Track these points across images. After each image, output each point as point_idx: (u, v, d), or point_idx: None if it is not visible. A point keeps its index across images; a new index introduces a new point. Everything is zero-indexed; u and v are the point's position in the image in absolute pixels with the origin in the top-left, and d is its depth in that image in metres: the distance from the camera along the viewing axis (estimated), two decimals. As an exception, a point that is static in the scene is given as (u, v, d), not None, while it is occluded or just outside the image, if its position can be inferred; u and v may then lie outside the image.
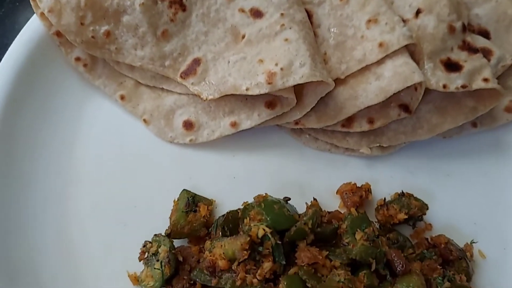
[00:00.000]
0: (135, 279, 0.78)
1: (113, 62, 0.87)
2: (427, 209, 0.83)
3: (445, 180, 0.88)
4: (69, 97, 0.89)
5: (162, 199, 0.83)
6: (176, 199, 0.82)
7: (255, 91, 0.79)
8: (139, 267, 0.79)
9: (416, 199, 0.83)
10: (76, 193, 0.85)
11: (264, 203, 0.75)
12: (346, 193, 0.84)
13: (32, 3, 0.84)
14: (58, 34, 0.86)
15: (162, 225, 0.81)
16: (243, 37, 0.84)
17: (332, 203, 0.85)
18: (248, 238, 0.69)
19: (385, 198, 0.84)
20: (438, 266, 0.76)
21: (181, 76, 0.84)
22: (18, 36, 0.85)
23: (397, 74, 0.79)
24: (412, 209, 0.81)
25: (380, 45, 0.81)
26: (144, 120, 0.87)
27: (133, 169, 0.86)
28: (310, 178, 0.87)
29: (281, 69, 0.77)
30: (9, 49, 0.85)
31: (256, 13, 0.84)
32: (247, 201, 0.78)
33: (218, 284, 0.71)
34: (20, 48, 0.85)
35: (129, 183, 0.85)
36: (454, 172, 0.89)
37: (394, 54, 0.81)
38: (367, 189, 0.85)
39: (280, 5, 0.83)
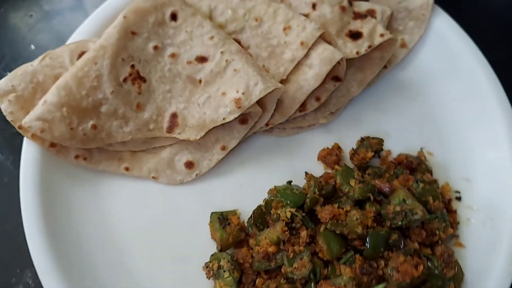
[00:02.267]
0: (211, 295, 0.98)
1: (106, 146, 1.02)
2: (383, 141, 1.10)
3: (385, 116, 1.15)
4: (87, 188, 1.03)
5: (199, 229, 1.02)
6: (210, 222, 1.02)
7: (231, 118, 0.99)
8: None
9: (372, 138, 1.10)
10: (129, 258, 1.01)
11: (278, 192, 0.98)
12: (325, 157, 1.09)
13: (20, 130, 0.97)
14: (52, 145, 0.99)
15: (209, 248, 1.00)
16: (200, 81, 1.03)
17: (319, 170, 1.09)
18: (283, 222, 0.92)
19: (353, 148, 1.10)
20: (409, 176, 1.04)
21: (168, 132, 1.02)
22: (22, 162, 0.98)
23: (322, 60, 1.03)
24: (374, 146, 1.08)
25: (301, 43, 1.04)
26: (153, 177, 1.04)
27: (163, 221, 1.03)
28: (295, 161, 1.09)
29: (243, 93, 0.98)
30: (21, 177, 0.97)
31: (202, 59, 1.04)
32: (265, 198, 1.00)
33: (276, 264, 0.92)
34: (29, 169, 0.97)
35: (167, 231, 1.02)
36: (388, 108, 1.16)
37: (313, 46, 1.05)
38: (337, 147, 1.10)
39: (217, 46, 1.03)
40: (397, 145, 1.12)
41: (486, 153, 1.10)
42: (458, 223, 1.05)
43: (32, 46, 1.28)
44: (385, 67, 1.17)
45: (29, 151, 0.98)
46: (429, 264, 0.92)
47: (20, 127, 0.96)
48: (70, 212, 1.00)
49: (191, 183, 1.06)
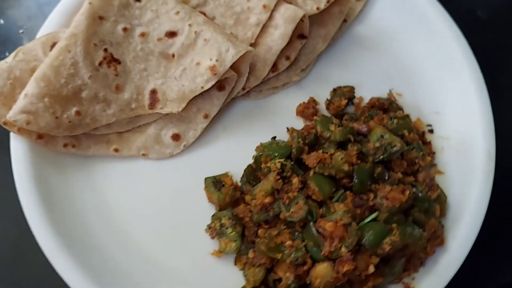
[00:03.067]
0: (218, 252, 1.02)
1: (92, 131, 1.05)
2: (354, 88, 1.17)
3: (352, 68, 1.21)
4: (81, 174, 1.06)
5: (195, 196, 1.06)
6: (205, 188, 1.06)
7: (209, 85, 1.03)
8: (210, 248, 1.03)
9: (344, 87, 1.16)
10: (134, 234, 1.04)
11: (265, 147, 1.03)
12: (303, 112, 1.14)
13: (6, 126, 0.98)
14: (39, 136, 1.00)
15: (208, 212, 1.05)
16: (173, 55, 1.07)
17: (299, 124, 1.14)
18: (274, 172, 0.97)
19: (327, 99, 1.16)
20: (383, 115, 1.11)
21: (150, 108, 1.05)
22: (13, 158, 0.99)
23: (286, 19, 1.09)
24: (346, 94, 1.15)
25: (264, 6, 1.09)
26: (143, 155, 1.08)
27: (161, 194, 1.06)
28: (275, 119, 1.14)
29: (216, 60, 1.03)
30: (14, 173, 0.98)
31: (171, 34, 1.07)
32: (254, 155, 1.05)
33: (274, 213, 0.98)
34: (21, 164, 0.99)
35: (166, 203, 1.06)
36: (354, 60, 1.22)
37: (276, 7, 1.09)
38: (313, 101, 1.16)
39: (183, 19, 1.07)
40: (368, 92, 1.18)
41: (450, 86, 1.17)
42: (434, 152, 1.13)
43: (1, 21, 1.30)
44: (344, 21, 1.23)
45: (17, 147, 1.00)
46: (414, 190, 0.99)
47: (5, 123, 0.97)
48: (70, 199, 1.02)
49: (180, 155, 1.10)
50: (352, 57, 1.24)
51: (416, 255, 0.98)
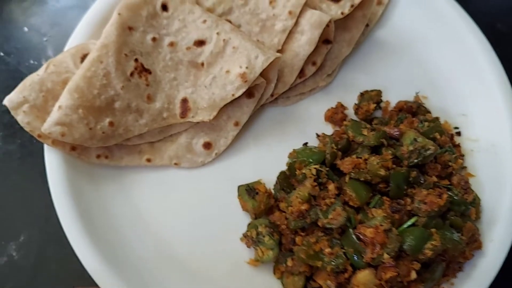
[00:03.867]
0: (255, 261, 1.01)
1: (125, 141, 1.04)
2: (381, 92, 1.17)
3: (376, 72, 1.21)
4: (114, 185, 1.05)
5: (228, 205, 1.06)
6: (238, 196, 1.06)
7: (240, 92, 1.03)
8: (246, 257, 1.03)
9: (371, 91, 1.16)
10: (168, 244, 1.04)
11: (298, 154, 1.03)
12: (331, 117, 1.14)
13: (40, 139, 0.98)
14: (73, 148, 1.00)
15: (242, 221, 1.04)
16: (202, 64, 1.07)
17: (327, 130, 1.14)
18: (311, 179, 0.97)
19: (355, 103, 1.16)
20: (413, 119, 1.11)
21: (181, 117, 1.05)
22: (48, 171, 0.99)
23: (312, 24, 1.08)
24: (374, 98, 1.15)
25: (289, 13, 1.09)
26: (175, 164, 1.07)
27: (194, 203, 1.06)
28: (304, 126, 1.14)
29: (246, 67, 1.02)
30: (51, 186, 0.98)
31: (200, 43, 1.07)
32: (287, 161, 1.04)
33: (311, 220, 0.97)
34: (56, 177, 0.99)
35: (199, 212, 1.05)
36: (379, 65, 1.22)
37: (301, 13, 1.09)
38: (341, 106, 1.16)
39: (211, 28, 1.06)
40: (393, 96, 1.18)
41: (475, 88, 1.17)
42: (463, 155, 1.13)
43: (25, 28, 1.30)
44: (366, 25, 1.23)
45: (52, 159, 0.99)
46: (449, 193, 0.98)
47: (39, 136, 0.97)
48: (104, 210, 1.01)
49: (212, 163, 1.10)
50: (375, 61, 1.24)
51: (455, 260, 0.98)
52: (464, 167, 1.12)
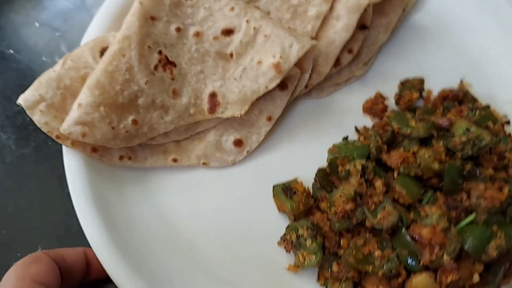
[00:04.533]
0: (295, 267, 0.92)
1: (149, 140, 0.96)
2: (423, 80, 1.08)
3: (414, 59, 1.12)
4: (139, 187, 0.97)
5: (263, 206, 0.97)
6: (274, 196, 0.97)
7: (273, 84, 0.95)
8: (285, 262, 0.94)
9: (413, 79, 1.07)
10: (198, 249, 0.95)
11: (340, 149, 0.94)
12: (371, 108, 1.06)
13: (59, 140, 0.89)
14: (94, 149, 0.92)
15: (278, 223, 0.96)
16: (231, 55, 0.98)
17: (366, 122, 1.05)
18: (357, 175, 0.88)
19: (396, 93, 1.07)
20: (461, 107, 1.02)
21: (210, 113, 0.97)
22: (68, 174, 0.91)
23: (349, 8, 1.00)
24: (416, 86, 1.06)
25: (324, -4, 1.01)
26: (204, 163, 0.99)
27: (225, 205, 0.98)
28: (341, 118, 1.06)
29: (280, 57, 0.94)
30: (71, 191, 0.90)
31: (228, 32, 0.99)
32: (328, 157, 0.96)
33: (357, 220, 0.88)
34: (77, 181, 0.90)
35: (231, 215, 0.97)
36: (417, 52, 1.13)
37: (337, -4, 1.02)
38: (380, 96, 1.07)
39: (239, 15, 0.98)
40: (434, 84, 1.09)
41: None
42: (514, 145, 1.04)
43: (36, 24, 1.23)
44: (403, 10, 1.15)
45: (72, 162, 0.91)
46: (508, 186, 0.89)
47: (58, 137, 0.88)
48: (129, 215, 0.93)
49: (243, 162, 1.01)
50: (414, 47, 1.15)
51: (518, 259, 0.89)
52: (517, 158, 1.02)
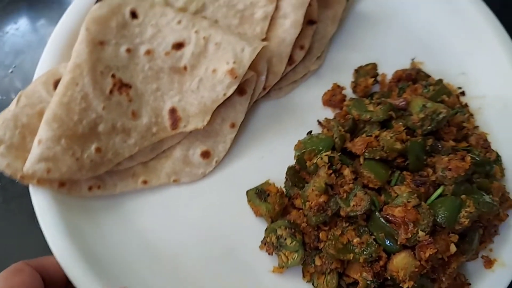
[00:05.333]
0: (279, 268, 0.93)
1: (116, 166, 0.96)
2: (376, 65, 1.10)
3: (365, 47, 1.14)
4: (113, 215, 0.96)
5: (239, 213, 0.98)
6: (248, 201, 0.98)
7: (231, 91, 0.95)
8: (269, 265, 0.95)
9: (366, 66, 1.10)
10: (181, 267, 0.95)
11: (305, 144, 0.95)
12: (330, 100, 1.07)
13: (23, 181, 0.88)
14: (61, 184, 0.91)
15: (257, 228, 0.97)
16: (185, 68, 0.99)
17: (328, 114, 1.07)
18: (325, 167, 0.89)
19: (352, 81, 1.09)
20: (415, 85, 1.05)
21: (173, 129, 0.97)
22: (38, 213, 0.89)
23: (294, 5, 1.02)
24: (370, 72, 1.08)
25: (267, -3, 1.03)
26: (174, 181, 0.99)
27: (202, 218, 0.98)
28: (303, 115, 1.07)
29: (234, 62, 0.95)
30: (43, 229, 0.89)
31: (179, 45, 0.99)
32: (295, 154, 0.96)
33: (332, 211, 0.89)
34: (48, 218, 0.89)
35: (209, 227, 0.97)
36: (366, 39, 1.15)
37: (279, -4, 1.04)
38: (337, 86, 1.09)
39: (188, 27, 0.99)
40: (388, 67, 1.11)
41: (471, 44, 1.12)
42: (472, 114, 1.07)
43: None
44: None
45: (40, 201, 0.90)
46: (471, 154, 0.92)
47: (22, 177, 0.87)
48: (107, 244, 0.92)
49: (213, 173, 1.01)
50: (363, 35, 1.17)
51: (490, 224, 0.92)
52: (476, 126, 1.06)
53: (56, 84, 0.93)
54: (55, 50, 1.00)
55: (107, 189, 0.96)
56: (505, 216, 0.92)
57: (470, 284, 0.91)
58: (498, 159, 0.97)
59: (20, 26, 1.26)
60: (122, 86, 0.95)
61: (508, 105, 1.06)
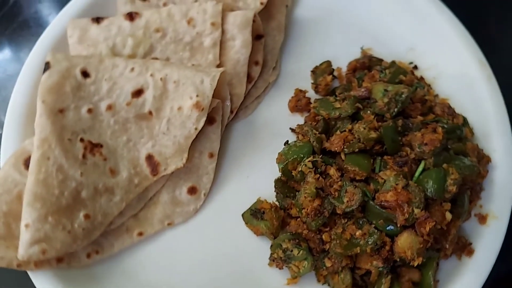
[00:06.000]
0: (293, 279, 0.94)
1: (107, 226, 0.94)
2: (330, 62, 1.14)
3: (315, 47, 1.18)
4: (116, 272, 0.96)
5: (241, 237, 0.99)
6: (246, 224, 0.99)
7: (202, 123, 0.97)
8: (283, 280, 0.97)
9: (320, 65, 1.13)
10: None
11: (285, 155, 0.96)
12: (296, 106, 1.10)
13: (21, 268, 0.85)
14: (59, 260, 0.89)
15: (262, 247, 0.98)
16: (150, 113, 0.99)
17: (299, 120, 1.10)
18: (311, 173, 0.91)
19: (311, 82, 1.12)
20: (371, 73, 1.09)
21: (153, 175, 0.97)
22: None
23: (239, 26, 1.06)
24: (326, 70, 1.12)
25: (212, 24, 1.05)
26: (169, 224, 0.98)
27: (206, 253, 0.98)
28: (274, 127, 1.09)
29: (197, 96, 0.96)
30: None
31: (138, 92, 0.99)
32: (279, 167, 0.98)
33: (329, 211, 0.91)
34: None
35: (214, 260, 0.98)
36: (314, 40, 1.19)
37: (223, 20, 1.06)
38: (299, 91, 1.12)
39: (142, 73, 0.99)
40: (341, 61, 1.16)
41: (412, 19, 1.18)
42: (429, 85, 1.12)
43: None
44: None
45: (42, 283, 0.88)
46: (440, 125, 0.97)
47: (19, 265, 0.85)
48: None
49: (204, 206, 1.02)
50: (309, 37, 1.21)
51: (475, 183, 0.96)
52: (436, 95, 1.11)
53: (26, 162, 0.92)
54: (14, 126, 0.99)
55: (105, 251, 0.95)
56: (486, 172, 0.98)
57: (471, 243, 0.95)
58: (465, 121, 1.02)
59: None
60: (93, 147, 0.94)
61: (459, 68, 1.11)
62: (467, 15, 1.16)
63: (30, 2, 1.35)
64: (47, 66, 0.96)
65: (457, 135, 0.98)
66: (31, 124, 0.95)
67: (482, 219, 0.97)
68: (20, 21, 1.32)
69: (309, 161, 0.93)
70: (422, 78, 1.12)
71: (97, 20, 1.07)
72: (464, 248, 0.95)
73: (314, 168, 0.93)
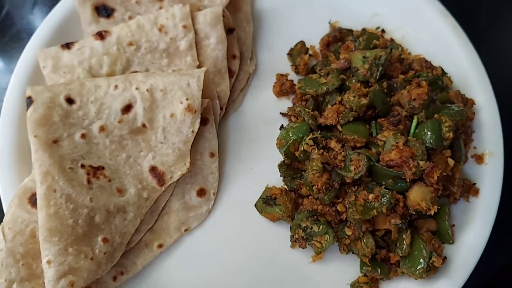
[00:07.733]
0: (317, 255, 0.97)
1: (127, 246, 0.94)
2: (304, 42, 1.16)
3: (286, 29, 1.19)
4: None
5: (260, 227, 1.01)
6: (261, 213, 1.00)
7: (197, 125, 0.97)
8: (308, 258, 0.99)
9: (294, 46, 1.15)
10: None
11: (284, 138, 0.98)
12: (281, 90, 1.12)
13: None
14: None
15: (281, 234, 1.00)
16: (144, 125, 0.98)
17: (286, 103, 1.12)
18: (315, 150, 0.94)
19: (291, 65, 1.14)
20: (345, 44, 1.12)
21: (161, 185, 0.97)
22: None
23: (210, 23, 1.06)
24: (301, 50, 1.14)
25: (184, 27, 1.05)
26: (186, 230, 0.99)
27: (229, 250, 1.00)
28: (265, 114, 1.11)
29: (187, 99, 0.97)
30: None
31: (127, 108, 0.98)
32: (281, 151, 0.99)
33: (338, 183, 0.94)
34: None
35: (238, 257, 0.99)
36: (283, 23, 1.20)
37: (193, 20, 1.06)
38: (280, 75, 1.13)
39: (126, 88, 0.98)
40: (312, 39, 1.18)
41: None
42: (400, 45, 1.16)
43: None
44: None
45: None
46: (421, 79, 1.01)
47: (49, 303, 0.83)
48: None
49: (216, 205, 1.03)
50: (279, 22, 1.22)
51: (465, 126, 1.01)
52: (409, 53, 1.15)
53: (31, 200, 0.90)
54: (6, 164, 0.97)
55: (130, 270, 0.94)
56: (473, 114, 1.03)
57: (475, 183, 1.00)
58: (443, 71, 1.06)
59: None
60: (96, 170, 0.93)
61: (424, 23, 1.16)
62: (458, 7, 1.19)
63: (21, 13, 1.33)
64: (29, 101, 0.94)
65: (439, 86, 1.03)
66: (25, 161, 0.93)
67: (479, 159, 1.02)
68: (12, 33, 1.31)
69: (309, 139, 0.95)
70: (392, 40, 1.16)
71: (67, 45, 1.05)
72: (469, 189, 1.00)
73: (315, 145, 0.95)
